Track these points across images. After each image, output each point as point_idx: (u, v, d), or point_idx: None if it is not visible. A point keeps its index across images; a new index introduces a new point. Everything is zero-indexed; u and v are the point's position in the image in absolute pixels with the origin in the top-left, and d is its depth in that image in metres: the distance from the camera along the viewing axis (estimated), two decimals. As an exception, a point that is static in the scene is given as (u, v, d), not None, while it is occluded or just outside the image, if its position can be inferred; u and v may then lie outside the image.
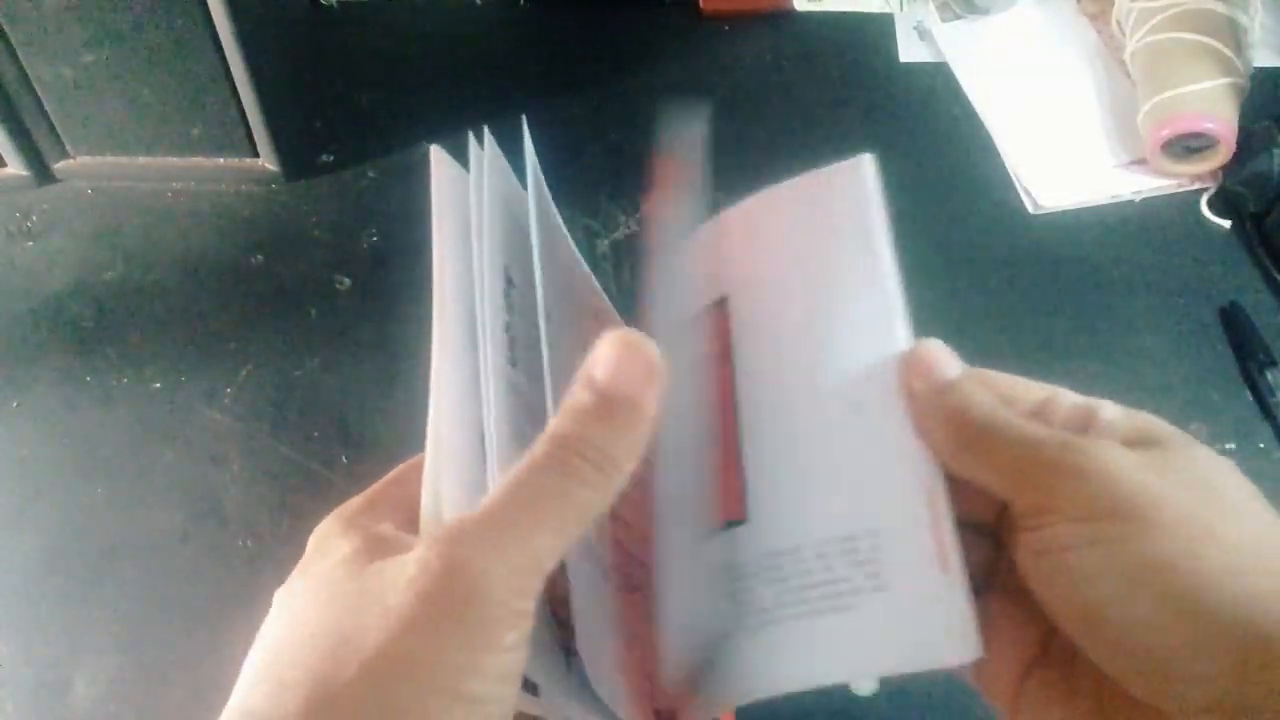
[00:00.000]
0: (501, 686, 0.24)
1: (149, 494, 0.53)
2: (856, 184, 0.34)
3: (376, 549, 0.26)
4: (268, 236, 0.63)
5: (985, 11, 0.74)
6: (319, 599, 0.25)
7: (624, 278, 0.61)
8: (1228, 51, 0.63)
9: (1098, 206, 0.64)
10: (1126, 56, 0.68)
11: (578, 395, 0.25)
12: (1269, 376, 0.56)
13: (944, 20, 0.74)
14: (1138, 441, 0.25)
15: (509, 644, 0.24)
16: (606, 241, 0.63)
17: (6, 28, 0.56)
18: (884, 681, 0.47)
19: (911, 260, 0.32)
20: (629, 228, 0.63)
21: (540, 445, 0.24)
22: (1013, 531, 0.26)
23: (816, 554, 0.28)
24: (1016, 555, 0.25)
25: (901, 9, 0.75)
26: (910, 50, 0.73)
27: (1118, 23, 0.70)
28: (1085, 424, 0.26)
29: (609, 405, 0.25)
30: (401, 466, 0.31)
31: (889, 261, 0.30)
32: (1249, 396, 0.57)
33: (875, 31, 0.74)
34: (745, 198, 0.35)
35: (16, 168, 0.64)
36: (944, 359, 0.27)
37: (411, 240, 0.62)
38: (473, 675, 0.23)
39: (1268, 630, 0.21)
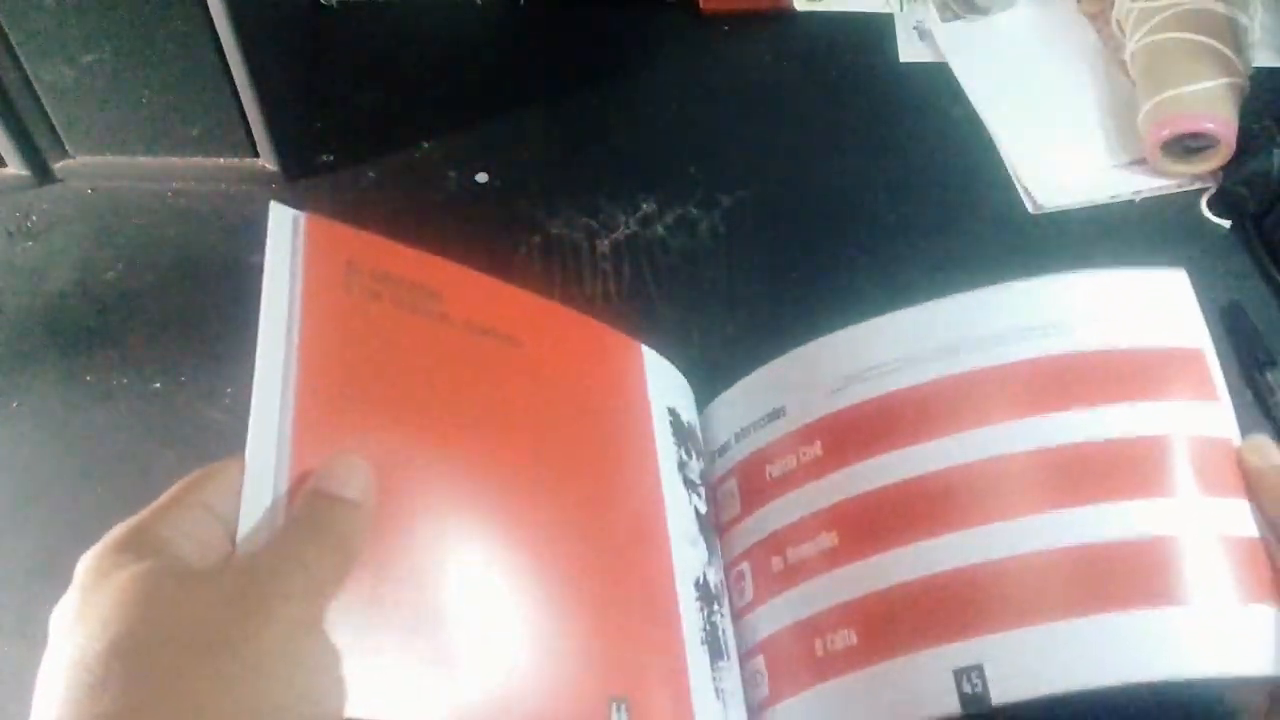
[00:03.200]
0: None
1: (149, 494, 0.53)
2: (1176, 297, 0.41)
3: (174, 564, 0.29)
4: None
5: (985, 11, 0.74)
6: (134, 600, 0.27)
7: (624, 277, 0.61)
8: (1228, 51, 0.63)
9: (1098, 206, 0.64)
10: (1126, 56, 0.68)
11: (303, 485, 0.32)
12: (1269, 376, 0.56)
13: (944, 20, 0.74)
14: None
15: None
16: (606, 241, 0.63)
17: (6, 28, 0.56)
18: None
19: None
20: (629, 228, 0.63)
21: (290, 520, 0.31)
22: None
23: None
24: None
25: (901, 9, 0.75)
26: (910, 50, 0.73)
27: (1118, 23, 0.70)
28: None
29: (321, 495, 0.31)
30: (174, 489, 0.32)
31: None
32: (1249, 396, 0.57)
33: (875, 31, 0.74)
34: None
35: (16, 168, 0.64)
36: (1273, 448, 0.37)
37: (411, 240, 0.62)
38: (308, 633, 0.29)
39: None
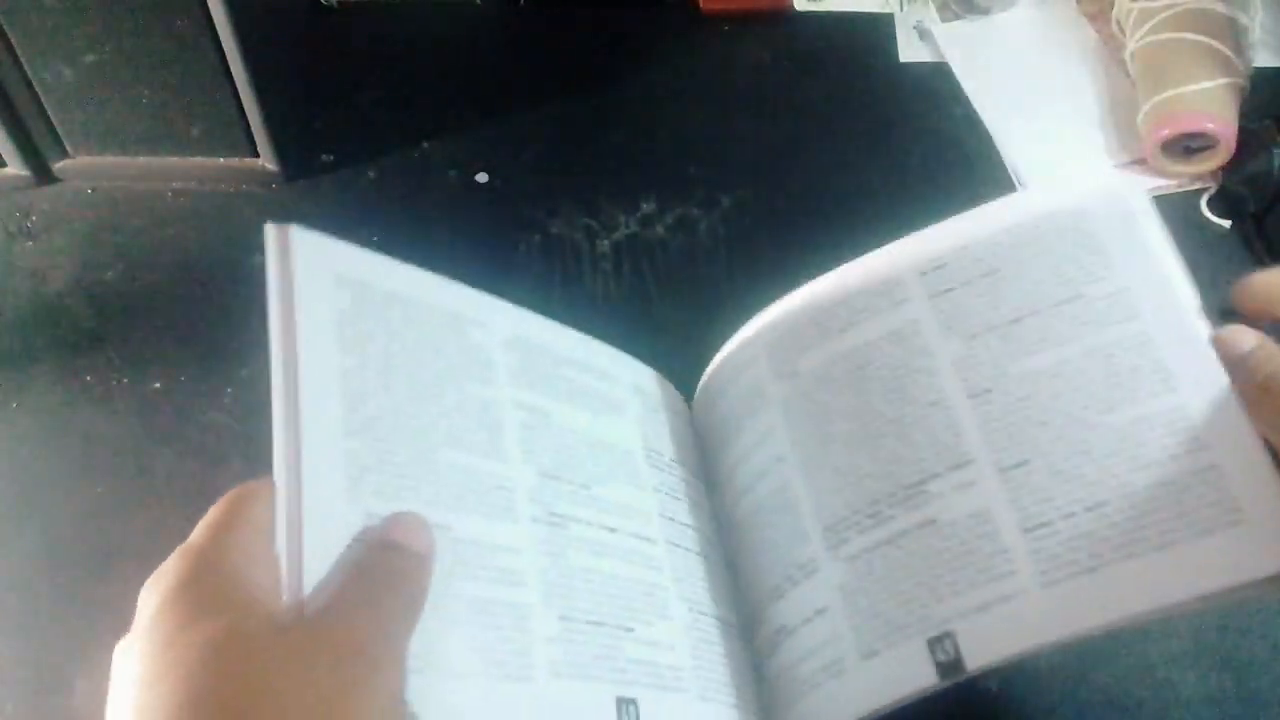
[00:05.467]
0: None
1: (149, 494, 0.53)
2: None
3: (251, 617, 0.28)
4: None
5: (985, 11, 0.74)
6: (219, 661, 0.27)
7: (624, 277, 0.61)
8: (1228, 51, 0.63)
9: (1098, 206, 0.64)
10: (1126, 56, 0.68)
11: (369, 536, 0.31)
12: (1269, 376, 0.56)
13: (944, 20, 0.74)
14: None
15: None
16: (606, 241, 0.63)
17: (6, 28, 0.56)
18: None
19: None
20: (629, 228, 0.63)
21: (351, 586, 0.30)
22: None
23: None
24: None
25: (901, 9, 0.75)
26: (910, 50, 0.73)
27: (1118, 23, 0.70)
28: None
29: (390, 546, 0.31)
30: (218, 513, 0.32)
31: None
32: (1249, 396, 0.57)
33: (875, 31, 0.74)
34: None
35: (16, 168, 0.64)
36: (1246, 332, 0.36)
37: (412, 240, 0.62)
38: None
39: None
